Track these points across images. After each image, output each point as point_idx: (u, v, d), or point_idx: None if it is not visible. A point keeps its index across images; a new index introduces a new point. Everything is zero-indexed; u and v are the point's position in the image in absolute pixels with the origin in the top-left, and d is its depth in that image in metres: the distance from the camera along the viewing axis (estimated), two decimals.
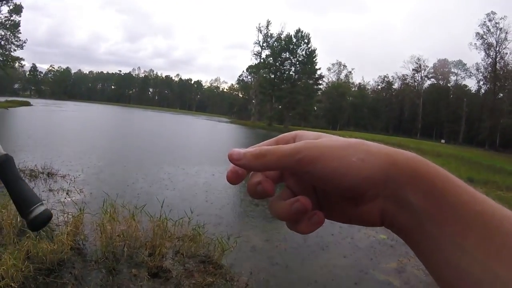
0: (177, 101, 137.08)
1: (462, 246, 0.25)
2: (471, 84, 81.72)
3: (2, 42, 51.13)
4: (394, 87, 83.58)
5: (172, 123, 44.77)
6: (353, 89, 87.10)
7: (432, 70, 77.04)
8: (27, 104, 50.46)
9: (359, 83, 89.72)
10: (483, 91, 65.02)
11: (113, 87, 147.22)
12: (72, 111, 47.41)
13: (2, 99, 50.34)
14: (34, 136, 15.44)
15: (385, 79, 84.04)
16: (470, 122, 62.31)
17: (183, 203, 6.91)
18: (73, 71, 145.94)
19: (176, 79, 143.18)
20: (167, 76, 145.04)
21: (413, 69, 78.51)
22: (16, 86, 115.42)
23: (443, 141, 57.53)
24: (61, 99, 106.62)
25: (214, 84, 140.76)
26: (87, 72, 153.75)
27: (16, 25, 49.50)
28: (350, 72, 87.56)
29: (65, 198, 6.56)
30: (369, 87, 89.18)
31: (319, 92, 68.97)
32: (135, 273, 3.91)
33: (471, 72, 68.63)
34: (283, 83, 60.28)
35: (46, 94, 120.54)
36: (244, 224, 6.43)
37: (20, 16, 50.04)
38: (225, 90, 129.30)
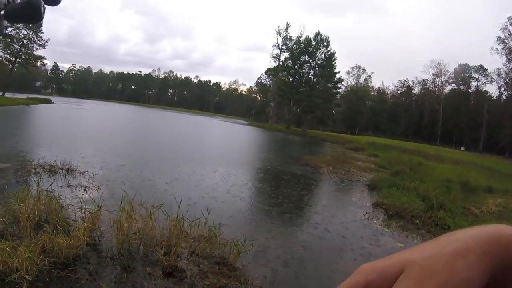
0: (196, 102, 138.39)
1: None
2: (492, 90, 78.83)
3: (25, 41, 53.13)
4: (414, 92, 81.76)
5: (191, 124, 45.20)
6: (372, 93, 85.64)
7: (453, 75, 75.00)
8: (49, 101, 52.02)
9: (379, 87, 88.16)
10: (504, 97, 62.78)
11: (133, 87, 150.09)
12: (92, 110, 48.50)
13: (24, 96, 52.18)
14: (54, 132, 15.82)
15: (405, 83, 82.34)
16: (491, 129, 59.90)
17: (200, 203, 6.89)
18: (94, 71, 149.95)
19: (195, 80, 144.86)
20: (186, 78, 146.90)
21: (433, 74, 76.65)
22: (38, 84, 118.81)
23: (463, 148, 55.76)
24: (81, 97, 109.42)
25: (233, 86, 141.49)
26: (108, 72, 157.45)
27: (39, 25, 51.17)
28: (370, 76, 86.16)
29: (83, 194, 6.63)
30: (388, 92, 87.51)
31: (338, 96, 68.09)
32: (149, 272, 3.89)
33: (492, 78, 66.52)
34: (301, 86, 59.81)
35: (67, 93, 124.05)
36: (260, 227, 6.33)
37: None
38: (243, 92, 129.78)
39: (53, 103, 50.73)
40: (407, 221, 7.77)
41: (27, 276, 3.19)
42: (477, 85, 71.55)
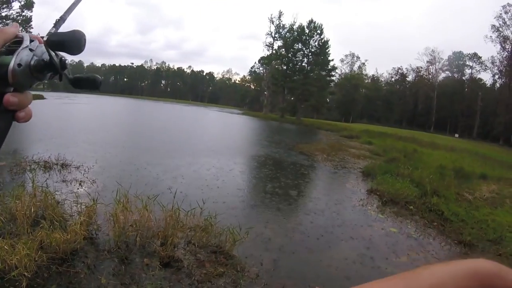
0: (189, 93, 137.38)
1: None
2: (486, 77, 79.12)
3: None
4: (408, 79, 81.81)
5: (184, 114, 44.97)
6: (367, 81, 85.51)
7: (447, 62, 75.09)
8: (41, 97, 51.24)
9: (373, 75, 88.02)
10: (498, 85, 63.00)
11: (125, 79, 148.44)
12: (85, 104, 47.95)
13: None
14: (48, 128, 15.65)
15: (399, 71, 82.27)
16: (485, 117, 60.22)
17: (194, 193, 6.91)
18: (85, 64, 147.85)
19: (188, 71, 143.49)
20: (179, 68, 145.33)
21: (427, 61, 76.64)
22: None
23: (457, 135, 56.12)
24: (74, 92, 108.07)
25: (226, 76, 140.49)
26: (100, 65, 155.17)
27: (28, 20, 49.83)
28: (364, 63, 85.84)
29: (78, 188, 6.62)
30: (382, 79, 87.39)
31: (332, 84, 68.02)
32: (147, 263, 3.95)
33: (486, 66, 66.47)
34: (295, 75, 59.61)
35: (59, 88, 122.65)
36: (255, 216, 6.40)
37: (32, 12, 50.21)
38: (237, 81, 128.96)
39: (45, 98, 50.06)
40: (401, 207, 7.88)
41: (26, 273, 3.21)
42: (471, 73, 71.74)
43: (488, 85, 67.68)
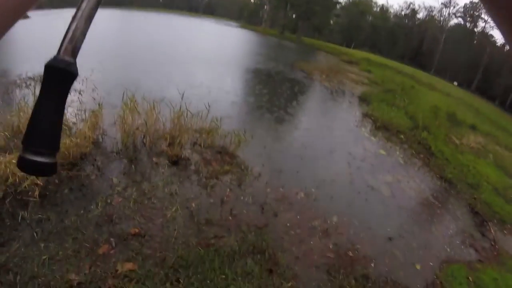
0: (184, 3, 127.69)
1: None
2: (499, 36, 75.29)
3: None
4: (418, 16, 77.41)
5: (178, 25, 42.46)
6: (375, 9, 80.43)
7: (462, 9, 70.57)
8: (25, 16, 46.76)
9: (382, 5, 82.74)
10: (508, 47, 60.16)
11: None
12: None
13: None
14: (37, 46, 14.49)
15: (411, 6, 77.65)
16: (487, 74, 58.77)
17: (197, 99, 6.91)
18: None
19: None
20: None
21: (442, 3, 71.88)
22: None
23: (455, 83, 55.17)
24: (60, 7, 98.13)
25: None
26: None
27: None
28: None
29: (79, 97, 6.25)
30: (392, 11, 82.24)
31: (338, 6, 63.78)
32: (156, 161, 4.18)
33: None
34: None
35: (44, 4, 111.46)
36: (255, 123, 6.62)
37: None
38: None
39: (29, 17, 45.60)
40: (393, 134, 8.22)
41: (38, 181, 3.22)
42: (484, 27, 68.02)
43: (499, 44, 64.90)
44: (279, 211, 3.74)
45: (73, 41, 0.35)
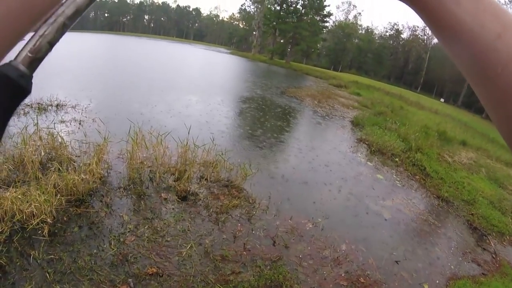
0: (174, 29, 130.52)
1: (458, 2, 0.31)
2: None
3: None
4: (402, 36, 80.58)
5: (170, 52, 43.23)
6: (360, 31, 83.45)
7: None
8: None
9: (367, 27, 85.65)
10: None
11: (106, 14, 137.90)
12: (67, 42, 45.00)
13: None
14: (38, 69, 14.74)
15: (395, 26, 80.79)
16: (472, 88, 61.10)
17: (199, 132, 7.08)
18: None
19: (174, 5, 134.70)
20: (163, 3, 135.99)
21: None
22: None
23: (442, 99, 56.58)
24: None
25: (214, 13, 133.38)
26: None
27: None
28: (360, 13, 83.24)
29: (79, 128, 6.31)
30: (376, 32, 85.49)
31: (325, 30, 65.97)
32: (165, 197, 4.23)
33: None
34: (288, 17, 56.88)
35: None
36: (255, 154, 6.71)
37: None
38: (225, 19, 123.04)
39: (24, 40, 46.23)
40: (388, 157, 8.46)
41: (48, 219, 3.20)
42: None
43: None
44: (290, 243, 3.83)
45: (36, 51, 0.28)
